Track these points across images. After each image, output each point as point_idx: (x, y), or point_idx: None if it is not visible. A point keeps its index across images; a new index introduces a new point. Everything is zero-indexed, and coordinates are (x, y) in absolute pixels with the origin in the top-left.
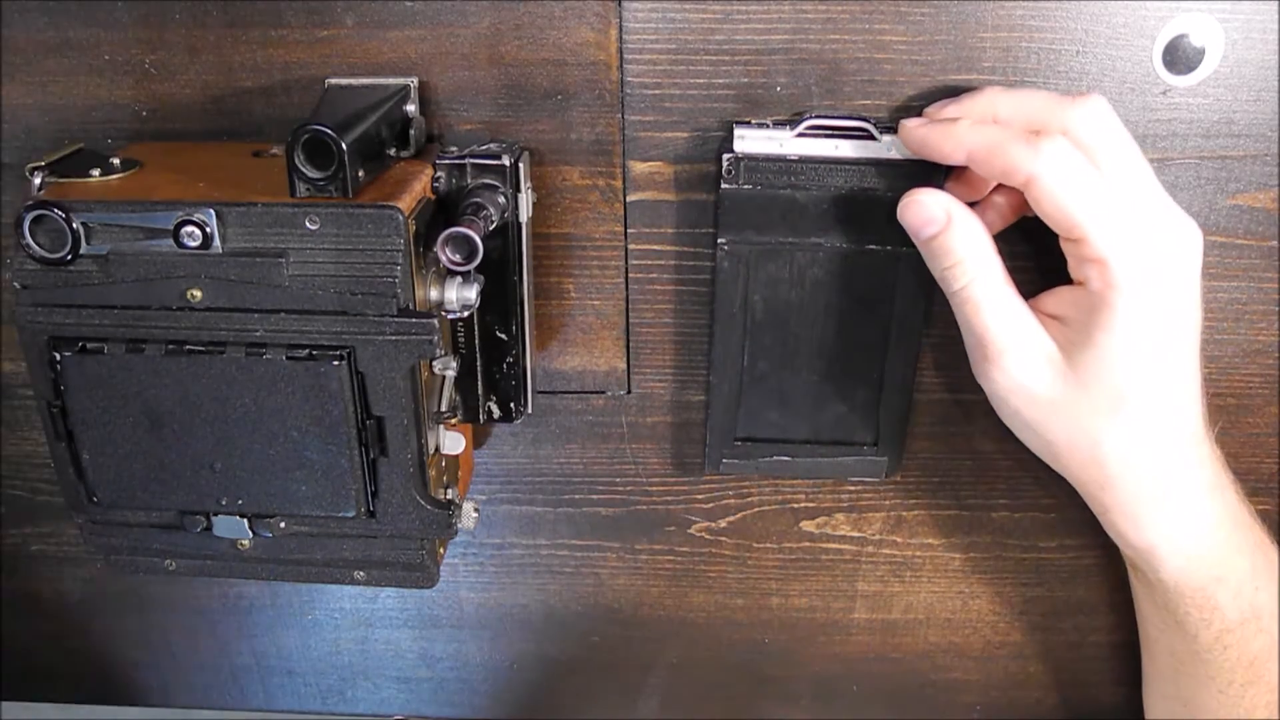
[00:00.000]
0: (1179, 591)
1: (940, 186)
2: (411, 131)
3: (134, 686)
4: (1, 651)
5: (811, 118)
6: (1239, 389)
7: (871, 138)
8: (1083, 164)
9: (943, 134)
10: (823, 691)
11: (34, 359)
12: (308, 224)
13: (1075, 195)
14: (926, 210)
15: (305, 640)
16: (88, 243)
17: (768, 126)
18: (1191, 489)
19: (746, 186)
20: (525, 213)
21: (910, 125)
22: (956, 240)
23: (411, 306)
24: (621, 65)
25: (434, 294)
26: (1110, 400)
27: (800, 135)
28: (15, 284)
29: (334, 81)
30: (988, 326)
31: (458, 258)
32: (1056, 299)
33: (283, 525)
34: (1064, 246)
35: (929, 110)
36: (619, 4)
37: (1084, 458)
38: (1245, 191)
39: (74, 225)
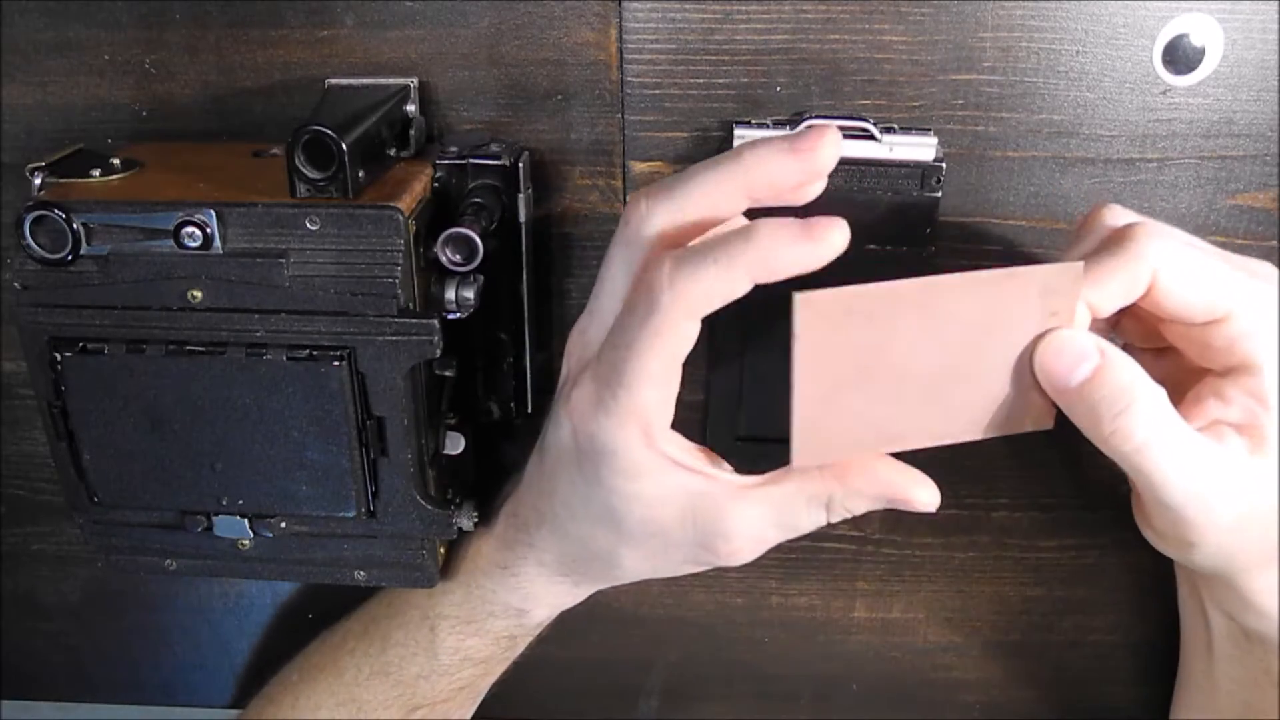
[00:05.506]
0: None
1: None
2: (411, 131)
3: (134, 686)
4: (1, 651)
5: (811, 118)
6: None
7: (871, 138)
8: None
9: (1128, 275)
10: (823, 691)
11: (34, 359)
12: (308, 224)
13: (1269, 330)
14: (1074, 345)
15: (306, 640)
16: (88, 243)
17: (768, 126)
18: None
19: None
20: (525, 213)
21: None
22: (1118, 376)
23: (411, 307)
24: (621, 65)
25: (434, 294)
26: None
27: None
28: (15, 284)
29: (334, 81)
30: (1187, 500)
31: (458, 258)
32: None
33: (283, 525)
34: (1213, 375)
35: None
36: (619, 4)
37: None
38: (1245, 191)
39: (74, 226)
